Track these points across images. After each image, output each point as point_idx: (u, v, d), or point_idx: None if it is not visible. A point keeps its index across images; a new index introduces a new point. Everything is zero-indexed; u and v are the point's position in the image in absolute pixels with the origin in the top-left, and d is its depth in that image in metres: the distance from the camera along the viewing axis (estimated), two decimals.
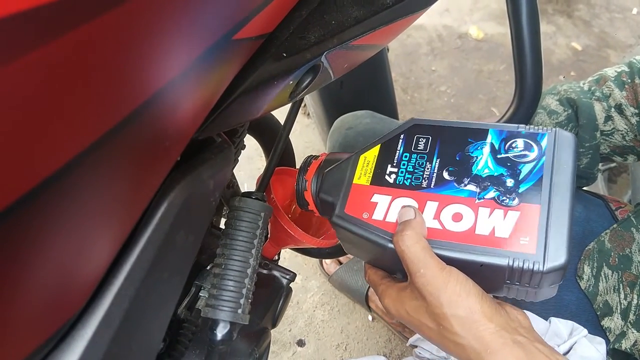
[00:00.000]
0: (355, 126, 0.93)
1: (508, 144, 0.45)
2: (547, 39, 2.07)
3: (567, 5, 2.23)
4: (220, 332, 0.41)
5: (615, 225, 0.69)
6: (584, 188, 1.34)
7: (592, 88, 0.68)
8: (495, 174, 0.44)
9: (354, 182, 0.47)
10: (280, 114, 0.59)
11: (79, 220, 0.22)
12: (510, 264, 0.39)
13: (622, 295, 0.65)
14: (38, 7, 0.14)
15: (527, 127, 0.46)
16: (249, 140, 0.82)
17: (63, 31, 0.15)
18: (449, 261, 0.40)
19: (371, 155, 0.49)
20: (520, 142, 0.45)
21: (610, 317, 0.64)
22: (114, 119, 0.19)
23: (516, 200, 0.42)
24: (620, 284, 0.65)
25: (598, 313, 0.65)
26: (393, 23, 0.43)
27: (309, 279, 1.39)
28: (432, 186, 0.45)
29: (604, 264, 0.66)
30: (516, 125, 0.46)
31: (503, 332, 0.38)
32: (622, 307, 0.64)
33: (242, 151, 0.65)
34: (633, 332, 0.61)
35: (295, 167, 0.80)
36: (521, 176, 0.43)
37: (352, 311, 1.35)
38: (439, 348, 0.41)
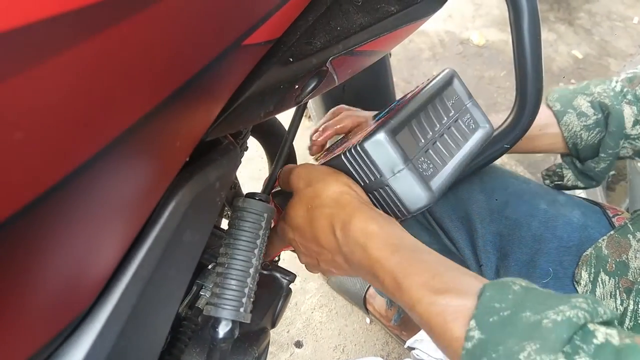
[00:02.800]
0: None
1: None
2: (548, 47, 2.09)
3: (569, 14, 2.25)
4: (223, 330, 0.41)
5: (612, 232, 0.69)
6: (582, 195, 1.35)
7: (625, 89, 0.68)
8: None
9: None
10: (285, 117, 0.60)
11: (91, 218, 0.23)
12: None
13: (618, 301, 0.66)
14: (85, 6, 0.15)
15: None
16: (249, 141, 0.83)
17: (94, 32, 0.16)
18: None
19: None
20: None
21: None
22: (132, 118, 0.20)
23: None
24: (617, 290, 0.66)
25: None
26: (397, 30, 0.44)
27: (307, 281, 1.40)
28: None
29: (601, 270, 0.67)
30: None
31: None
32: (619, 312, 0.65)
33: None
34: None
35: None
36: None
37: (350, 313, 1.35)
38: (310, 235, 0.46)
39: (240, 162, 0.62)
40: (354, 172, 0.48)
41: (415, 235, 0.83)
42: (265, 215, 0.44)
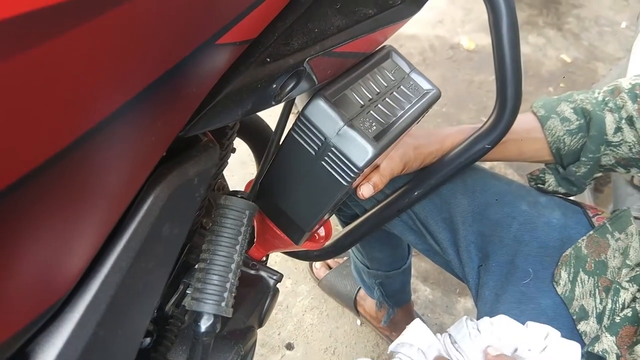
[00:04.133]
0: None
1: None
2: (537, 51, 2.11)
3: (558, 19, 2.27)
4: (204, 324, 0.42)
5: (591, 232, 0.71)
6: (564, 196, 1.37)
7: (606, 99, 0.70)
8: None
9: None
10: (273, 118, 0.61)
11: (68, 206, 0.24)
12: None
13: (597, 300, 0.67)
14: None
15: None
16: (242, 145, 0.84)
17: (64, 30, 0.17)
18: None
19: None
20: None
21: (585, 321, 0.66)
22: (106, 111, 0.21)
23: None
24: (596, 289, 0.67)
25: (574, 317, 0.67)
26: (375, 32, 0.46)
27: (298, 283, 1.41)
28: None
29: (581, 270, 0.68)
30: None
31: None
32: (598, 311, 0.66)
33: (235, 156, 0.67)
34: (606, 336, 0.63)
35: None
36: None
37: (341, 315, 1.36)
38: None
39: (225, 162, 0.63)
40: (303, 144, 0.52)
41: (401, 235, 0.84)
42: (247, 212, 0.46)
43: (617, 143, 0.69)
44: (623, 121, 0.68)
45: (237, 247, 0.44)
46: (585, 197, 1.42)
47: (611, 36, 2.23)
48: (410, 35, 2.09)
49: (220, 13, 0.26)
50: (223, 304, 0.43)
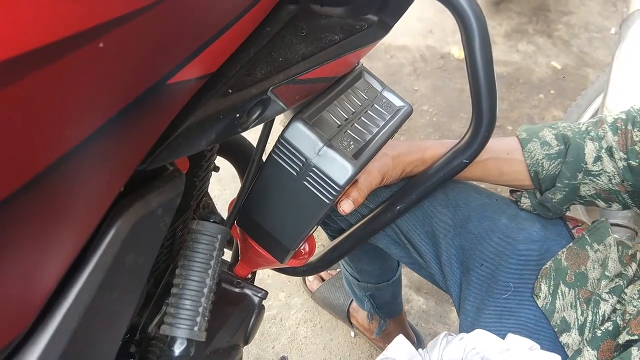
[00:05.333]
0: None
1: None
2: (527, 58, 2.13)
3: (547, 26, 2.29)
4: (178, 348, 0.43)
5: (571, 244, 0.71)
6: None
7: (589, 128, 0.71)
8: None
9: None
10: (255, 134, 0.62)
11: (24, 241, 0.25)
12: None
13: (579, 312, 0.67)
14: None
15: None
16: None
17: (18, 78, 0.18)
18: None
19: None
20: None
21: (568, 333, 0.67)
22: (61, 149, 0.22)
23: None
24: (577, 301, 0.68)
25: (556, 329, 0.67)
26: (341, 57, 0.47)
27: (292, 296, 1.41)
28: None
29: (561, 282, 0.69)
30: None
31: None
32: (579, 323, 0.67)
33: (227, 169, 0.68)
34: (588, 350, 0.63)
35: None
36: None
37: (335, 327, 1.37)
38: None
39: (207, 182, 0.64)
40: (285, 165, 0.53)
41: (386, 248, 0.85)
42: (219, 236, 0.46)
43: (596, 172, 0.69)
44: (603, 150, 0.69)
45: (210, 272, 0.45)
46: (578, 206, 1.43)
47: (601, 42, 2.25)
48: (401, 45, 2.10)
49: (168, 55, 0.27)
50: (196, 328, 0.43)
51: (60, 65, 0.21)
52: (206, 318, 0.45)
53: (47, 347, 0.29)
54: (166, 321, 0.44)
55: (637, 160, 0.66)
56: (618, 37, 1.28)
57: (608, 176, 0.69)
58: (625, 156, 0.67)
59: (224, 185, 1.59)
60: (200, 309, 0.44)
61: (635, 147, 0.66)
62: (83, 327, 0.31)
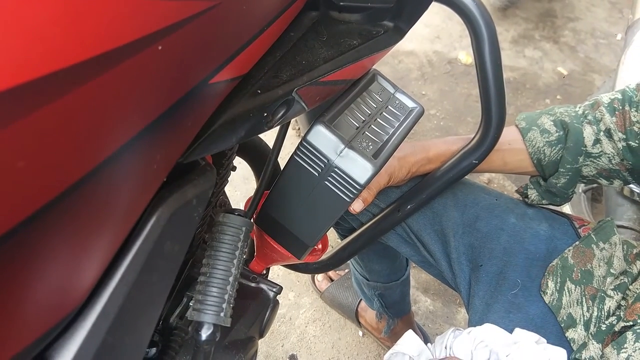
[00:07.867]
0: None
1: None
2: (533, 64, 2.15)
3: (554, 32, 2.32)
4: (205, 333, 0.46)
5: (577, 243, 0.74)
6: (567, 208, 1.39)
7: (586, 112, 0.73)
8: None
9: None
10: (271, 135, 0.65)
11: (81, 231, 0.28)
12: None
13: (584, 308, 0.70)
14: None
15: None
16: (244, 163, 0.88)
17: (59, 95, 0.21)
18: None
19: None
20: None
21: (574, 329, 0.69)
22: (112, 148, 0.25)
23: None
24: (583, 297, 0.70)
25: (562, 325, 0.69)
26: (359, 61, 0.50)
27: (301, 296, 1.44)
28: None
29: (567, 279, 0.71)
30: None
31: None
32: (585, 319, 0.69)
33: (238, 172, 0.71)
34: (593, 344, 0.66)
35: None
36: None
37: (343, 327, 1.39)
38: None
39: (226, 180, 0.67)
40: (306, 166, 0.56)
41: (397, 247, 0.87)
42: (244, 228, 0.49)
43: (596, 154, 0.72)
44: (602, 133, 0.71)
45: (235, 261, 0.47)
46: (583, 208, 1.45)
47: (607, 48, 2.27)
48: (409, 51, 2.13)
49: (212, 57, 0.30)
50: (222, 314, 0.46)
51: (124, 67, 0.24)
52: (231, 305, 0.48)
53: (97, 321, 0.32)
54: (194, 307, 0.47)
55: (637, 141, 0.68)
56: (624, 43, 1.30)
57: (608, 157, 0.72)
58: (625, 137, 0.69)
59: (234, 186, 1.62)
60: (226, 296, 0.47)
61: (634, 127, 0.69)
62: (127, 305, 0.34)
